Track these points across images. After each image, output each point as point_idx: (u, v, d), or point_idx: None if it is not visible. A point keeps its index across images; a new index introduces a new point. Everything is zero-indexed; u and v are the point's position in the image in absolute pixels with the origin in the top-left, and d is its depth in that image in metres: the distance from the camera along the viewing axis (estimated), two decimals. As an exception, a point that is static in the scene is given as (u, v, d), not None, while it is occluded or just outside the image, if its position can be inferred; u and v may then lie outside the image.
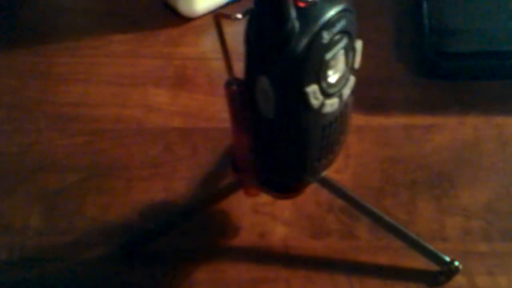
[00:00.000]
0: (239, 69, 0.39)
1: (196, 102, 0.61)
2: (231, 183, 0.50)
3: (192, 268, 0.51)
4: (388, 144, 0.57)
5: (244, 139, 0.42)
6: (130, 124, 0.59)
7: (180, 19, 0.67)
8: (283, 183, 0.45)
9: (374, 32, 0.64)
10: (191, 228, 0.52)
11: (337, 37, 0.37)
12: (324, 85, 0.38)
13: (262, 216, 0.53)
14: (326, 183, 0.48)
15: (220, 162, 0.57)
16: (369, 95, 0.60)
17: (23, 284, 0.50)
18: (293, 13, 0.36)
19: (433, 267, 0.50)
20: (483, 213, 0.53)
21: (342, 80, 0.40)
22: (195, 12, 0.67)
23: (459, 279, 0.49)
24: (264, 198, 0.48)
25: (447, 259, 0.49)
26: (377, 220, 0.50)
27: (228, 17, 0.37)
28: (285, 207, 0.53)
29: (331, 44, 0.37)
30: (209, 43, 0.66)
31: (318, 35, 0.36)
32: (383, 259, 0.51)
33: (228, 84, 0.39)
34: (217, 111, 0.60)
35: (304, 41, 0.36)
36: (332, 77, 0.39)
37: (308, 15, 0.36)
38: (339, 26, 0.37)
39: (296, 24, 0.36)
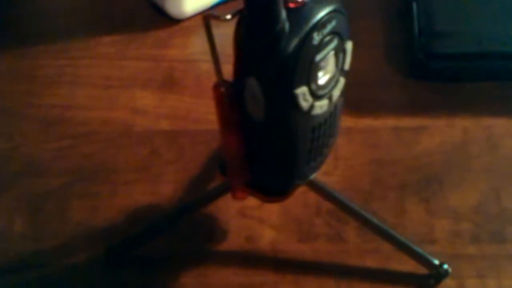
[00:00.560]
0: (228, 71, 0.39)
1: (183, 104, 0.60)
2: (218, 186, 0.49)
3: (178, 273, 0.50)
4: (377, 146, 0.57)
5: (232, 141, 0.41)
6: (117, 127, 0.59)
7: (168, 20, 0.67)
8: (272, 185, 0.45)
9: (364, 33, 0.64)
10: (178, 232, 0.52)
11: (328, 38, 0.37)
12: (313, 86, 0.38)
13: (250, 219, 0.53)
14: (315, 186, 0.48)
15: (207, 165, 0.56)
16: (358, 96, 0.60)
17: (6, 289, 0.49)
18: (283, 14, 0.35)
19: (422, 270, 0.50)
20: (472, 215, 0.53)
21: (332, 81, 0.39)
22: (184, 14, 0.66)
23: (448, 282, 0.49)
24: (251, 201, 0.48)
25: (436, 262, 0.49)
26: (365, 223, 0.50)
27: (217, 17, 0.36)
28: (272, 210, 0.53)
29: (322, 45, 0.37)
30: (197, 45, 0.66)
31: (308, 36, 0.36)
32: (371, 263, 0.50)
33: (216, 86, 0.39)
34: (205, 113, 0.59)
35: (294, 42, 0.36)
36: (322, 78, 0.38)
37: (298, 16, 0.36)
38: (330, 27, 0.37)
39: (286, 25, 0.36)
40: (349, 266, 0.50)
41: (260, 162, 0.42)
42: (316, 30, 0.36)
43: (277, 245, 0.51)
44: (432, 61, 0.60)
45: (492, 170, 0.55)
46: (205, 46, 0.38)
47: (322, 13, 0.36)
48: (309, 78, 0.37)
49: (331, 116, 0.41)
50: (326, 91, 0.39)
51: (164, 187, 0.55)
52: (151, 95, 0.61)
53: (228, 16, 0.36)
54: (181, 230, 0.52)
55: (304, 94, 0.37)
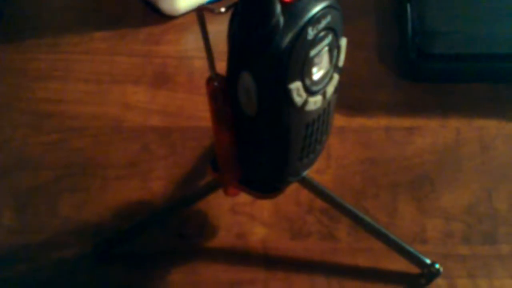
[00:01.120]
0: (221, 68, 0.39)
1: (176, 100, 0.60)
2: (210, 183, 0.49)
3: (168, 269, 0.50)
4: (370, 146, 0.57)
5: (225, 137, 0.41)
6: (108, 122, 0.58)
7: (161, 17, 0.66)
8: (264, 182, 0.44)
9: (357, 33, 0.64)
10: (168, 228, 0.52)
11: (322, 33, 0.37)
12: (307, 82, 0.38)
13: (241, 216, 0.53)
14: (307, 183, 0.48)
15: (199, 162, 0.56)
16: (351, 96, 0.60)
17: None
18: (277, 8, 0.35)
19: (414, 269, 0.50)
20: (464, 215, 0.53)
21: (326, 77, 0.39)
22: (177, 10, 0.66)
23: (439, 281, 0.49)
24: (243, 198, 0.48)
25: (428, 261, 0.49)
26: (357, 221, 0.50)
27: (211, 10, 0.36)
28: (264, 207, 0.53)
29: (316, 41, 0.37)
30: (190, 42, 0.65)
31: (302, 31, 0.36)
32: (363, 261, 0.50)
33: (209, 80, 0.39)
34: (197, 110, 0.59)
35: (288, 37, 0.35)
36: (316, 74, 0.38)
37: (293, 11, 0.36)
38: (324, 22, 0.36)
39: (281, 20, 0.35)
40: (341, 265, 0.50)
41: (252, 158, 0.42)
42: (311, 25, 0.36)
43: (268, 242, 0.51)
44: (425, 62, 0.60)
45: (484, 171, 0.55)
46: (198, 43, 0.38)
47: (317, 8, 0.36)
48: (303, 73, 0.37)
49: (325, 113, 0.41)
50: (320, 87, 0.39)
51: (155, 183, 0.54)
52: (143, 91, 0.61)
53: (222, 9, 0.36)
54: (171, 226, 0.52)
55: (298, 89, 0.37)
